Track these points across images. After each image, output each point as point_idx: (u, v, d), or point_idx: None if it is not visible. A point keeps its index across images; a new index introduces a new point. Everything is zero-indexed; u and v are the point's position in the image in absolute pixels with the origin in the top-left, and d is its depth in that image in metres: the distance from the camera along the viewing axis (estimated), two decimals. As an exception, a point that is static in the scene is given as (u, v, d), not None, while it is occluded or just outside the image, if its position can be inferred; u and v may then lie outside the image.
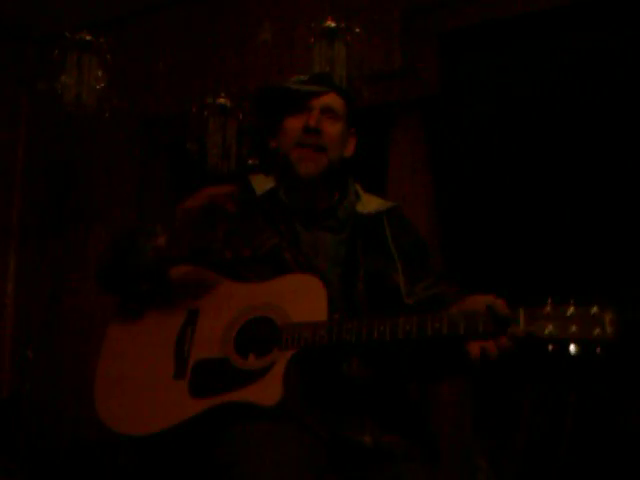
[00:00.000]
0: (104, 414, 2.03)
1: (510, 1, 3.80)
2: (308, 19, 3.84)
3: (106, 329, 2.18)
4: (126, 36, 4.56)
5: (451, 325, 1.77)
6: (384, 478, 1.89)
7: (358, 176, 2.34)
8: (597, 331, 1.60)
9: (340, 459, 1.93)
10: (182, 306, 2.09)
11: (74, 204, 4.65)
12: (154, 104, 4.51)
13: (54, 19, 4.37)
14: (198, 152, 4.09)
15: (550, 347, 1.66)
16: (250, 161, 4.02)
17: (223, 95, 4.04)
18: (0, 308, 4.70)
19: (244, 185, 2.29)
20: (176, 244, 2.02)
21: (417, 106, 4.00)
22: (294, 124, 2.18)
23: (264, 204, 2.22)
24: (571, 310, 1.64)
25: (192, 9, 4.56)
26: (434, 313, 1.80)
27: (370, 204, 2.26)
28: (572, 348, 1.63)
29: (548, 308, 1.67)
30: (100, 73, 3.85)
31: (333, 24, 3.63)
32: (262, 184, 2.28)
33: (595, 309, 1.62)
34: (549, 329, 1.65)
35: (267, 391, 1.83)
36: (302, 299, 1.96)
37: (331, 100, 2.21)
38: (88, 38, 3.83)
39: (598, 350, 1.61)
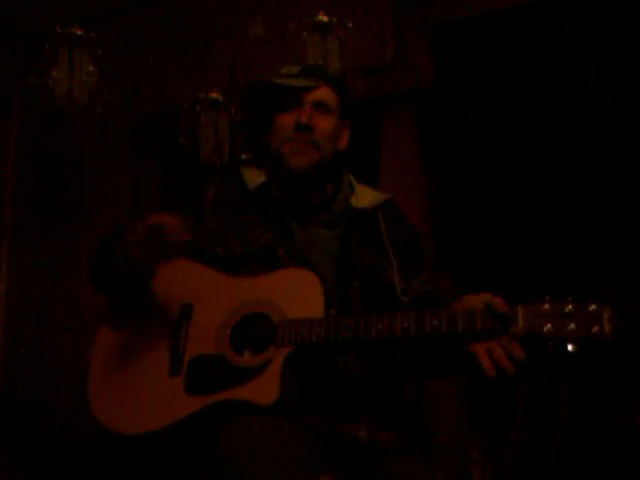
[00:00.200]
0: (100, 413, 2.02)
1: (504, -7, 3.80)
2: (300, 13, 3.83)
3: (98, 326, 2.17)
4: (118, 30, 4.54)
5: (449, 322, 1.77)
6: (380, 473, 1.90)
7: (351, 168, 2.31)
8: (595, 329, 1.60)
9: (336, 454, 1.94)
10: (176, 301, 2.07)
11: (66, 200, 4.63)
12: (146, 99, 4.48)
13: (45, 14, 4.34)
14: (190, 147, 4.08)
15: (549, 345, 1.66)
16: (243, 156, 4.01)
17: (215, 90, 4.02)
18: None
19: (236, 179, 2.27)
20: (150, 254, 1.94)
21: (410, 99, 4.00)
22: (285, 120, 2.14)
23: (256, 198, 2.19)
24: (569, 307, 1.64)
25: (184, 3, 4.54)
26: (432, 310, 1.80)
27: (364, 197, 2.22)
28: (570, 346, 1.63)
29: (546, 306, 1.67)
30: (91, 68, 3.82)
31: (325, 18, 3.61)
32: (254, 178, 2.24)
33: (593, 306, 1.62)
34: (548, 327, 1.65)
35: (264, 390, 1.83)
36: (298, 294, 1.95)
37: (323, 94, 2.16)
38: (79, 33, 3.79)
39: (596, 347, 1.61)
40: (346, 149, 2.26)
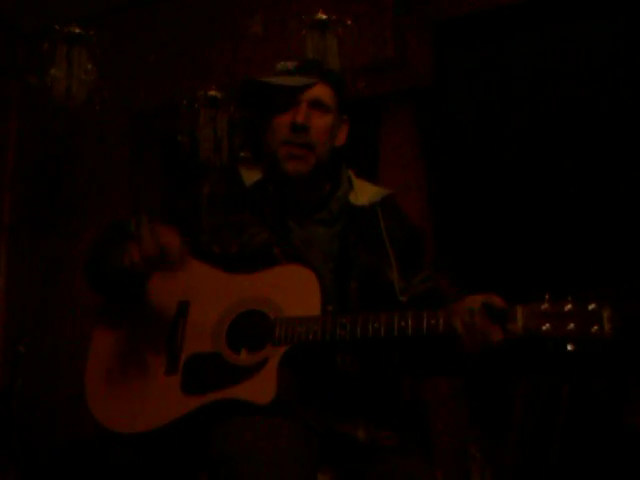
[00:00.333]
0: (98, 412, 2.01)
1: (504, -9, 3.80)
2: (300, 12, 3.82)
3: (94, 325, 2.16)
4: (116, 29, 4.54)
5: (447, 322, 1.76)
6: (378, 473, 1.88)
7: (349, 162, 2.29)
8: (595, 328, 1.59)
9: (334, 453, 1.93)
10: (172, 298, 2.05)
11: (66, 198, 4.63)
12: (145, 97, 4.49)
13: (44, 12, 4.34)
14: (189, 145, 4.08)
15: (548, 345, 1.65)
16: (242, 154, 4.00)
17: (214, 87, 4.02)
18: (-8, 303, 4.69)
19: (232, 175, 2.25)
20: (149, 271, 1.92)
21: (410, 97, 4.00)
22: (281, 121, 2.08)
23: (253, 196, 2.16)
24: (569, 307, 1.62)
25: (183, 2, 4.54)
26: (430, 310, 1.79)
27: (363, 194, 2.18)
28: (569, 346, 1.62)
29: (546, 305, 1.65)
30: (90, 66, 3.82)
31: (325, 16, 3.61)
32: (251, 175, 2.20)
33: (593, 306, 1.60)
34: (547, 327, 1.64)
35: (261, 389, 1.82)
36: (294, 291, 1.93)
37: (319, 92, 2.10)
38: (77, 31, 3.79)
39: (596, 347, 1.60)
40: (345, 144, 2.22)
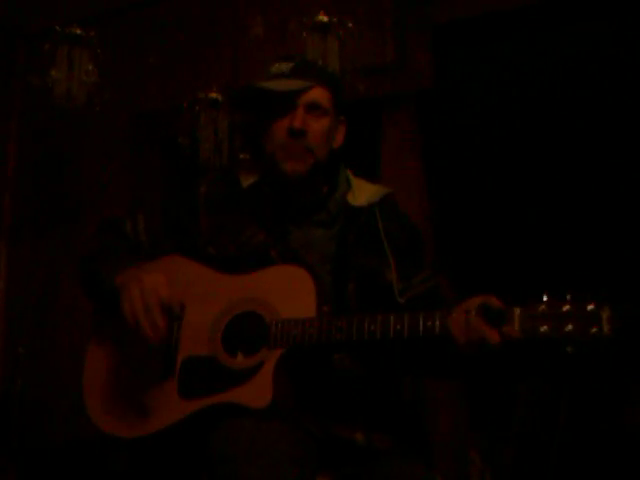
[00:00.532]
0: (95, 416, 2.02)
1: (505, -7, 3.79)
2: (300, 13, 3.82)
3: (90, 328, 2.16)
4: (117, 30, 4.53)
5: (443, 324, 1.75)
6: (376, 476, 1.88)
7: (349, 164, 2.28)
8: (594, 330, 1.57)
9: (333, 457, 1.92)
10: None
11: (66, 199, 4.62)
12: (145, 98, 4.48)
13: (45, 13, 4.34)
14: (190, 146, 4.07)
15: (546, 347, 1.64)
16: (242, 155, 4.00)
17: (215, 89, 4.01)
18: (-9, 304, 4.69)
19: (230, 176, 2.24)
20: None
21: (410, 99, 3.99)
22: (278, 126, 2.07)
23: (250, 197, 2.17)
24: (567, 308, 1.60)
25: (184, 3, 4.53)
26: (426, 312, 1.78)
27: (362, 194, 2.17)
28: (568, 348, 1.61)
29: (543, 306, 1.63)
30: (91, 67, 3.81)
31: (325, 18, 3.60)
32: (249, 177, 2.21)
33: (592, 306, 1.59)
34: (544, 329, 1.62)
35: (257, 393, 1.82)
36: (290, 292, 1.92)
37: (316, 95, 2.09)
38: (78, 32, 3.79)
39: (595, 349, 1.59)
40: (343, 145, 2.21)
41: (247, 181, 2.19)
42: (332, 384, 1.97)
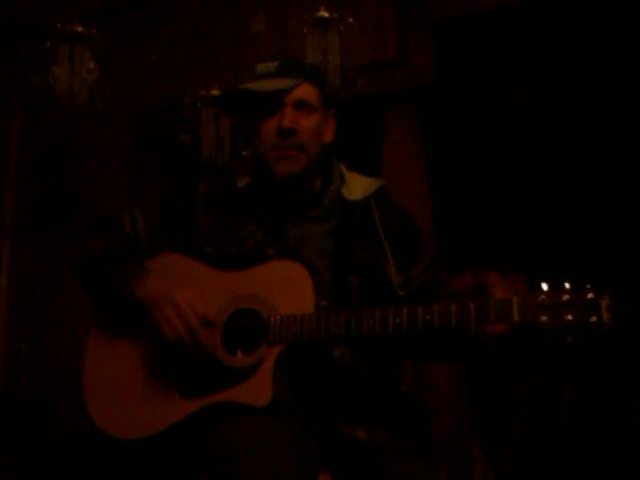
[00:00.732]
0: (97, 417, 2.01)
1: (506, -11, 3.78)
2: (301, 9, 3.82)
3: (88, 326, 2.15)
4: (119, 27, 4.53)
5: (442, 318, 1.74)
6: (378, 473, 1.86)
7: (350, 160, 2.27)
8: (594, 319, 1.56)
9: (334, 454, 1.92)
10: None
11: (68, 197, 4.63)
12: (147, 96, 4.49)
13: (46, 11, 4.33)
14: (191, 144, 4.08)
15: (546, 337, 1.63)
16: (244, 152, 4.00)
17: (216, 86, 4.01)
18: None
19: (226, 175, 2.24)
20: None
21: (411, 96, 3.98)
22: (268, 126, 2.05)
23: (245, 197, 2.15)
24: (566, 297, 1.58)
25: (185, 0, 4.53)
26: (425, 305, 1.77)
27: (356, 187, 2.15)
28: (568, 337, 1.60)
29: (542, 296, 1.62)
30: (92, 65, 3.81)
31: (326, 14, 3.60)
32: (243, 176, 2.19)
33: (591, 295, 1.57)
34: (544, 319, 1.61)
35: (257, 391, 1.81)
36: (287, 287, 1.91)
37: (303, 92, 2.06)
38: (80, 29, 3.79)
39: (596, 338, 1.58)
40: (335, 138, 2.18)
41: (242, 181, 2.19)
42: (333, 381, 1.95)
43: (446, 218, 3.96)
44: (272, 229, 2.07)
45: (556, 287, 1.61)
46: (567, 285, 1.60)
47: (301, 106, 2.06)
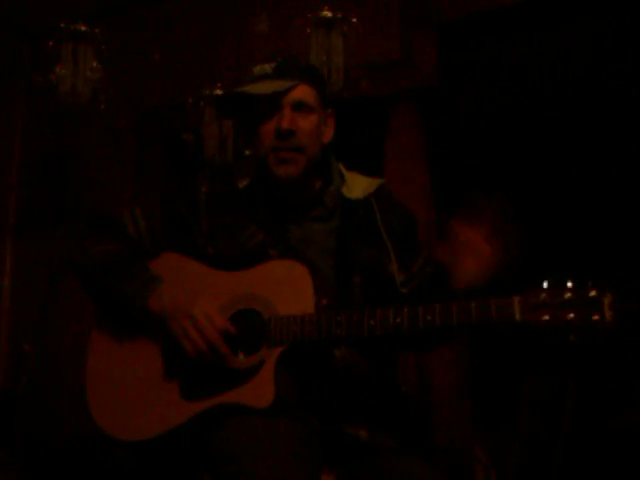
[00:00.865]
0: (100, 419, 2.00)
1: (509, -10, 3.78)
2: (305, 9, 3.81)
3: (91, 327, 2.15)
4: (121, 27, 4.53)
5: (443, 317, 1.74)
6: (380, 472, 1.86)
7: (346, 157, 2.27)
8: (596, 317, 1.55)
9: (336, 453, 1.91)
10: None
11: (71, 197, 4.63)
12: (150, 95, 4.49)
13: (49, 10, 4.34)
14: (194, 143, 4.07)
15: (548, 336, 1.62)
16: (247, 152, 3.99)
17: (219, 86, 4.00)
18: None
19: (227, 176, 2.23)
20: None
21: (415, 96, 3.98)
22: (266, 128, 2.04)
23: (246, 197, 2.15)
24: (568, 295, 1.57)
25: (189, 0, 4.54)
26: (426, 305, 1.76)
27: (356, 186, 2.15)
28: (571, 336, 1.59)
29: (544, 294, 1.61)
30: (95, 64, 3.81)
31: (330, 14, 3.59)
32: (244, 177, 2.18)
33: (593, 293, 1.56)
34: (545, 318, 1.60)
35: (259, 392, 1.80)
36: (287, 287, 1.90)
37: (301, 93, 2.05)
38: (83, 29, 3.79)
39: (598, 337, 1.57)
40: (334, 138, 2.18)
41: (242, 182, 2.19)
42: (334, 381, 1.95)
43: (449, 217, 3.95)
44: (274, 230, 2.07)
45: (558, 285, 1.60)
46: (569, 283, 1.59)
47: (299, 107, 2.05)
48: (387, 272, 2.05)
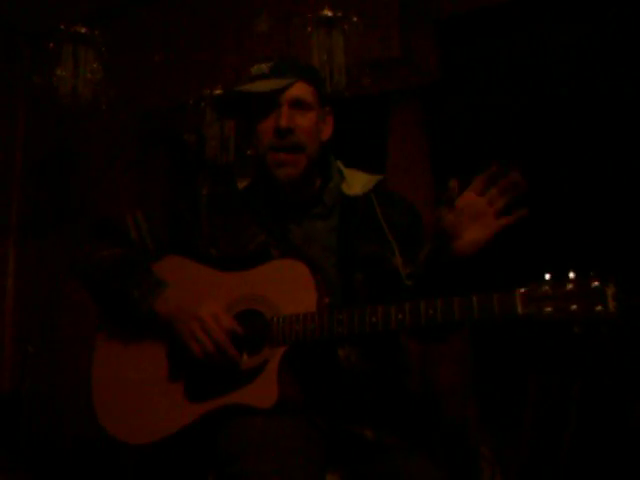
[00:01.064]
0: (105, 421, 2.02)
1: (509, -14, 3.77)
2: (305, 9, 3.81)
3: (95, 333, 2.15)
4: (122, 28, 4.53)
5: (445, 312, 1.73)
6: (386, 472, 1.87)
7: (348, 155, 2.26)
8: (599, 308, 1.54)
9: (342, 453, 1.91)
10: None
11: (73, 198, 4.63)
12: (151, 96, 4.48)
13: (49, 12, 4.34)
14: (196, 144, 4.07)
15: (551, 329, 1.61)
16: (249, 152, 3.98)
17: (220, 86, 4.00)
18: (0, 304, 4.69)
19: (228, 177, 2.23)
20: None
21: (416, 94, 3.99)
22: (265, 126, 2.05)
23: (247, 198, 2.16)
24: (570, 286, 1.57)
25: (189, 0, 4.53)
26: (428, 300, 1.76)
27: (355, 183, 2.16)
28: (574, 328, 1.58)
29: (546, 287, 1.60)
30: (96, 65, 3.82)
31: (330, 13, 3.59)
32: (244, 177, 2.21)
33: (596, 283, 1.55)
34: (548, 310, 1.59)
35: (263, 392, 1.81)
36: (289, 286, 1.91)
37: (298, 91, 2.06)
38: (83, 30, 3.79)
39: (602, 328, 1.56)
40: (332, 135, 2.18)
41: (242, 183, 2.19)
42: (339, 381, 1.95)
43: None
44: (275, 230, 2.07)
45: (560, 277, 1.59)
46: (571, 274, 1.58)
47: (297, 105, 2.06)
48: (391, 267, 2.05)
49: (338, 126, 2.21)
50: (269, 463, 1.65)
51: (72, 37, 3.78)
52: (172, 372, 1.97)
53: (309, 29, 3.63)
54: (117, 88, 4.03)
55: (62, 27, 3.79)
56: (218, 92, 3.99)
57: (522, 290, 1.65)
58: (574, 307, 1.56)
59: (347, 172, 2.20)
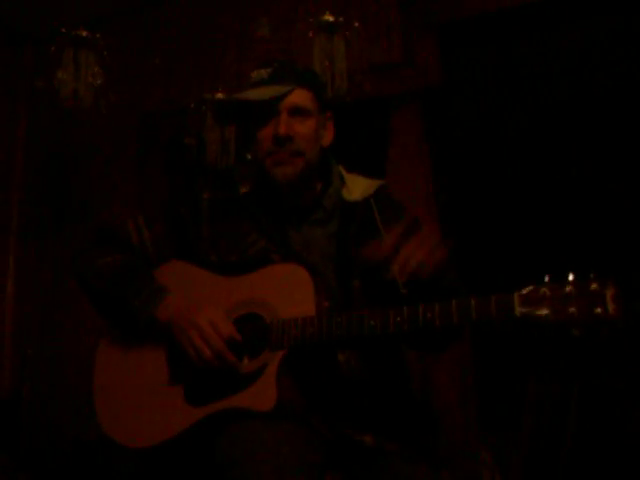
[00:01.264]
0: (106, 425, 2.03)
1: (511, -9, 3.78)
2: (306, 14, 3.82)
3: (100, 335, 2.16)
4: (123, 31, 4.53)
5: (443, 315, 1.73)
6: (385, 476, 1.87)
7: (349, 160, 2.27)
8: (598, 310, 1.53)
9: (341, 458, 1.91)
10: None
11: (73, 201, 4.63)
12: (151, 100, 4.48)
13: (50, 16, 4.34)
14: (196, 148, 4.07)
15: (549, 332, 1.61)
16: (249, 156, 3.98)
17: (221, 90, 4.01)
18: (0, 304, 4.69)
19: (229, 182, 2.24)
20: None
21: (417, 98, 3.98)
22: (264, 133, 2.06)
23: (247, 203, 2.16)
24: (569, 289, 1.56)
25: (190, 4, 4.53)
26: (426, 303, 1.76)
27: (356, 188, 2.16)
28: (573, 331, 1.57)
29: (544, 289, 1.59)
30: (97, 69, 3.82)
31: (331, 18, 3.59)
32: (244, 183, 2.21)
33: (595, 285, 1.54)
34: (546, 313, 1.59)
35: (262, 396, 1.82)
36: (288, 291, 1.92)
37: (297, 98, 2.07)
38: (84, 34, 3.80)
39: (602, 331, 1.55)
40: (334, 140, 2.19)
41: (244, 188, 2.19)
42: (338, 386, 1.95)
43: (452, 218, 3.95)
44: (276, 235, 2.07)
45: (559, 279, 1.59)
46: (570, 276, 1.58)
47: (296, 112, 2.06)
48: (389, 274, 2.05)
49: (339, 131, 2.21)
50: (268, 467, 1.66)
51: (73, 41, 3.79)
52: (172, 376, 1.98)
53: (311, 34, 3.63)
54: (118, 92, 4.03)
55: (63, 31, 3.80)
56: (219, 96, 3.99)
57: (520, 292, 1.64)
58: (573, 309, 1.55)
59: (348, 177, 2.20)
